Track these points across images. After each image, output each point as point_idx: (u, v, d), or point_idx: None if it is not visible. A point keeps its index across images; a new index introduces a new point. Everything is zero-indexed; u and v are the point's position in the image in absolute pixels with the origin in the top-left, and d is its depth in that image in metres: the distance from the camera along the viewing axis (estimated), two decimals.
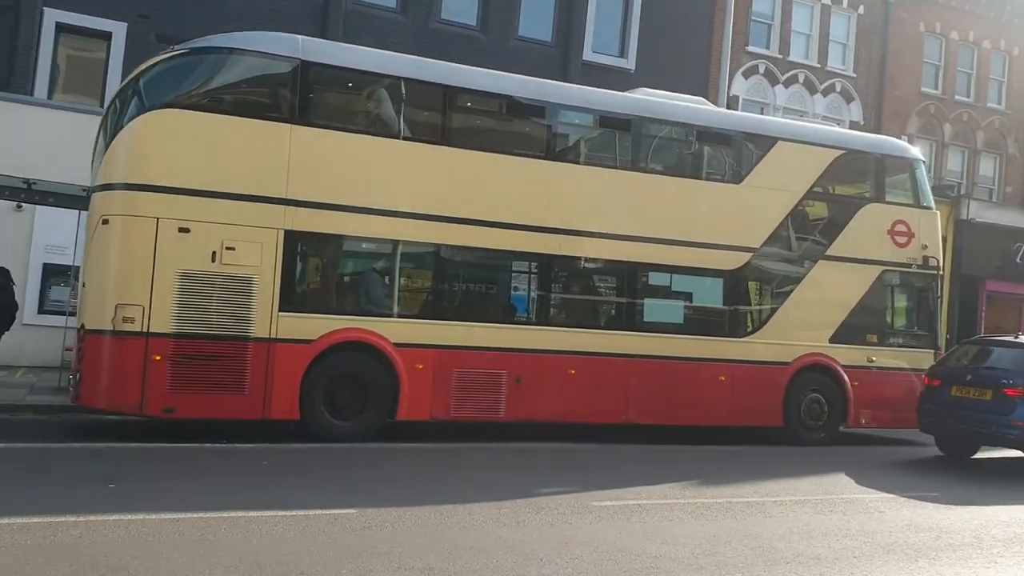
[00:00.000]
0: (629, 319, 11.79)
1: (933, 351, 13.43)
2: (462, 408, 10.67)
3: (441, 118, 10.87)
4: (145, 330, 9.28)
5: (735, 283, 12.32)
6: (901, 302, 13.55)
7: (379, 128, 10.66)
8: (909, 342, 13.43)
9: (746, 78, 23.84)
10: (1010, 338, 13.19)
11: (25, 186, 12.26)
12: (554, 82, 11.96)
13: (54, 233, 15.20)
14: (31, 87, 17.42)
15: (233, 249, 9.61)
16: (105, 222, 9.53)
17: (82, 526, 5.77)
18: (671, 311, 12.16)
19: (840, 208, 13.15)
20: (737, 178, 12.44)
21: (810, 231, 12.89)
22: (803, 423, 12.61)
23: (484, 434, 10.94)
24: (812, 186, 12.84)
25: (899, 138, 25.83)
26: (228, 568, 5.08)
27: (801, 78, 24.48)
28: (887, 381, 13.04)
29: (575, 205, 11.34)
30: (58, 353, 13.48)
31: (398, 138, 10.64)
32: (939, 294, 13.55)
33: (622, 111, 11.92)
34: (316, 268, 10.54)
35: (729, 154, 12.54)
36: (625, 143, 12.03)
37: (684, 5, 22.67)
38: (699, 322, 12.36)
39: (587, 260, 11.66)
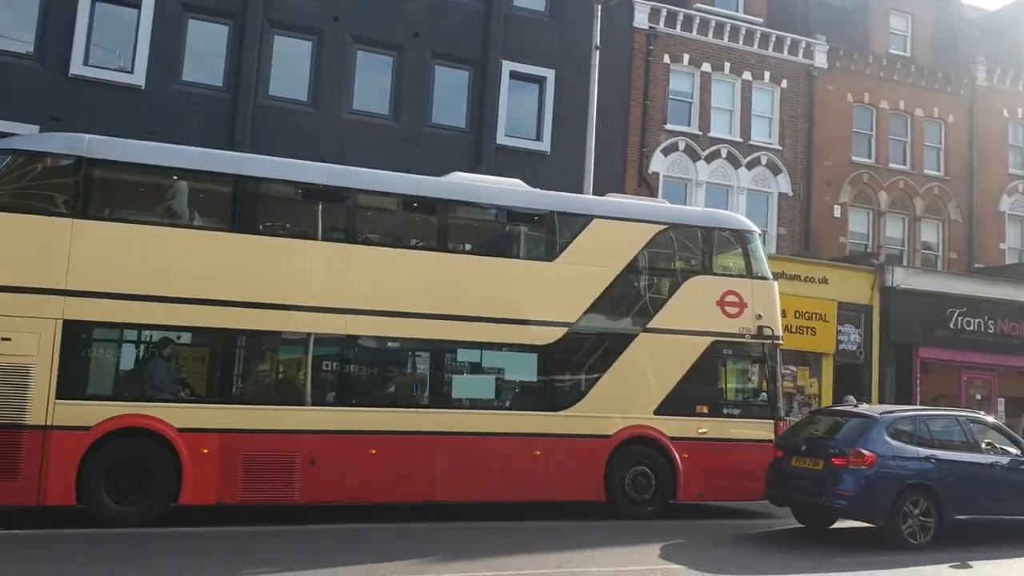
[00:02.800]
0: (435, 397, 11.93)
1: (773, 421, 13.32)
2: (251, 492, 10.80)
3: (229, 206, 11.29)
4: None
5: (550, 358, 12.42)
6: (735, 372, 13.53)
7: (162, 218, 11.11)
8: (745, 412, 13.36)
9: (666, 155, 24.27)
10: (847, 407, 13.14)
11: None
12: (361, 169, 12.35)
13: None
14: None
15: (9, 340, 10.01)
16: None
17: None
18: (481, 387, 12.28)
19: (664, 281, 13.28)
20: (551, 256, 12.65)
21: (631, 305, 12.99)
22: (628, 497, 12.51)
23: (283, 517, 11.06)
24: (632, 261, 12.98)
25: (832, 207, 26.29)
26: None
27: (724, 153, 24.80)
28: (722, 452, 12.92)
29: (371, 285, 11.60)
30: None
31: (182, 227, 11.08)
32: (776, 363, 13.45)
33: (426, 194, 12.29)
34: (96, 356, 10.79)
35: (541, 233, 12.79)
36: (430, 225, 12.36)
37: (599, 87, 23.21)
38: (512, 398, 12.47)
39: (384, 339, 11.88)
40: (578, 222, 12.83)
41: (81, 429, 10.16)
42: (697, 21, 24.68)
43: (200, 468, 10.54)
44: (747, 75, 25.34)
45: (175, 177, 11.12)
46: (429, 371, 12.05)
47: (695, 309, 13.12)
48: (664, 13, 24.32)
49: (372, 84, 21.94)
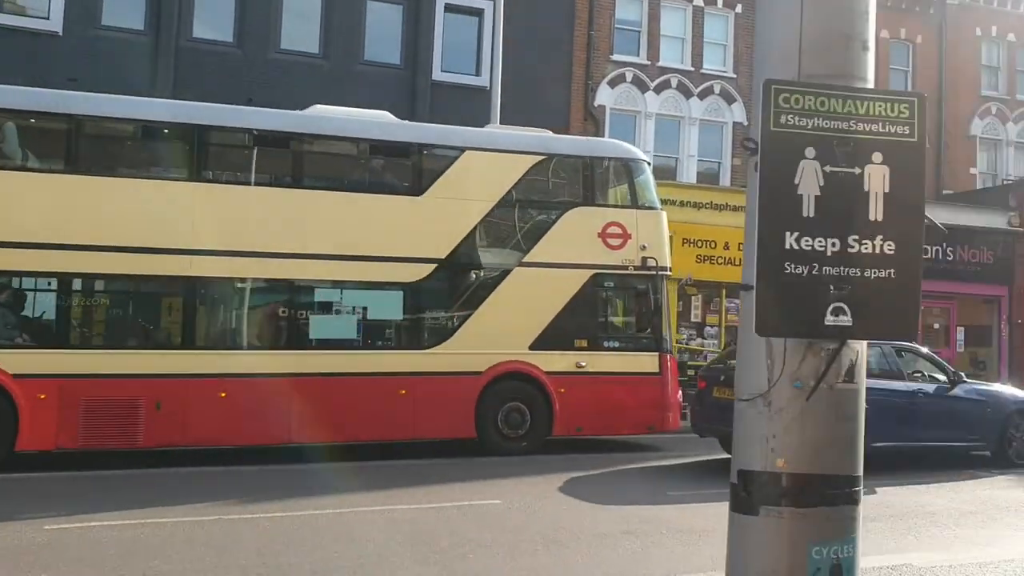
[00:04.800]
0: (290, 338, 11.65)
1: (658, 354, 12.90)
2: (92, 437, 10.64)
3: (63, 147, 10.96)
4: None
5: (417, 295, 12.08)
6: (617, 305, 13.10)
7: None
8: (629, 345, 12.95)
9: (613, 87, 23.50)
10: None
11: None
12: (205, 104, 11.94)
13: None
14: None
15: None
16: None
17: None
18: (342, 327, 11.94)
19: (541, 213, 12.79)
20: (418, 190, 12.21)
21: (506, 239, 12.59)
22: (501, 433, 12.23)
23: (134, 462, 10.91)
24: (506, 193, 12.51)
25: None
26: None
27: (674, 83, 23.98)
28: (602, 386, 12.54)
29: (221, 224, 11.29)
30: None
31: (13, 169, 10.77)
32: (662, 294, 12.95)
33: (282, 129, 11.87)
34: None
35: (408, 167, 12.34)
36: (288, 161, 11.96)
37: (541, 19, 22.47)
38: (376, 337, 12.18)
39: (235, 280, 11.56)
40: (448, 155, 12.37)
41: None
42: None
43: (38, 414, 10.38)
44: (698, 0, 24.37)
45: (5, 118, 10.78)
46: (286, 311, 11.74)
47: (574, 241, 12.65)
48: None
49: (300, 22, 21.33)
